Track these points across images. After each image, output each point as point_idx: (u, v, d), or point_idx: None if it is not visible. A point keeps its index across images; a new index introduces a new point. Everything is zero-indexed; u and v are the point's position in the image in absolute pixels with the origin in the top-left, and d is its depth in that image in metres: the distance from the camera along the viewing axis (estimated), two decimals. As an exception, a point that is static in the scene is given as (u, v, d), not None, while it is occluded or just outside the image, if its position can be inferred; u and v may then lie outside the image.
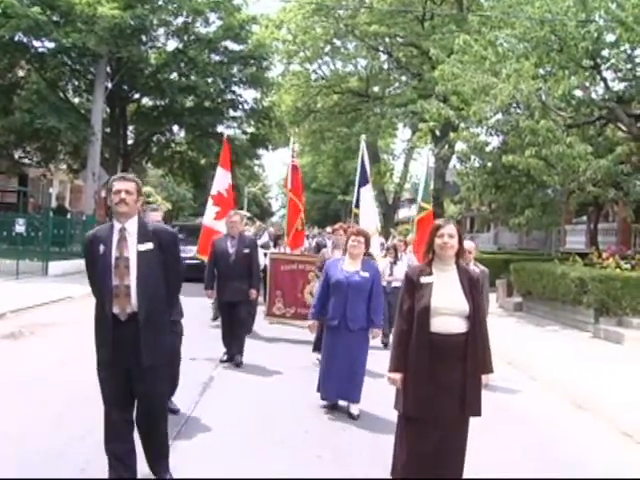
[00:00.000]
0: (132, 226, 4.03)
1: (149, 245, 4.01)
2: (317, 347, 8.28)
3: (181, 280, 4.41)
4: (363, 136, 11.97)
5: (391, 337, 5.94)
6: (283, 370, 7.80)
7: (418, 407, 3.91)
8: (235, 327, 8.01)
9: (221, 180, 10.97)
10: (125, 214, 4.00)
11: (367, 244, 6.19)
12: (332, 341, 6.09)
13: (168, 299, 4.17)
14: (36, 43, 20.52)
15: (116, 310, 3.92)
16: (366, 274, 6.01)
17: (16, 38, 19.38)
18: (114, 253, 3.97)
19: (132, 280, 3.94)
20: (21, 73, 22.66)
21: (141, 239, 4.01)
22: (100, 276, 4.00)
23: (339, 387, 6.04)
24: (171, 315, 4.42)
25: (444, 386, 3.89)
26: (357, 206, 10.98)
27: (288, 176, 11.43)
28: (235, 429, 5.42)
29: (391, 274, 10.02)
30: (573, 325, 12.59)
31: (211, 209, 10.67)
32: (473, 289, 4.03)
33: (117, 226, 4.03)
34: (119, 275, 3.93)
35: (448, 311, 3.90)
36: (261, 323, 10.46)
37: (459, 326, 3.91)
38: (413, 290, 3.99)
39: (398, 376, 4.00)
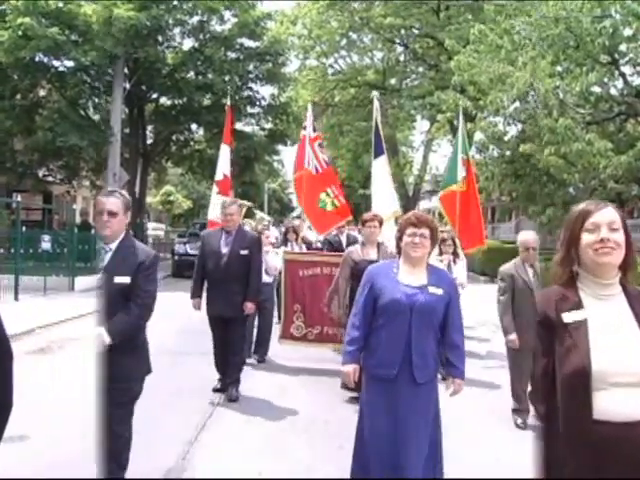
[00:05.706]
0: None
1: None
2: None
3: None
4: (375, 93, 9.59)
5: None
6: (302, 410, 6.05)
7: None
8: (227, 351, 6.22)
9: (225, 160, 9.34)
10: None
11: (433, 240, 3.66)
12: (386, 404, 3.52)
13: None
14: (56, 63, 21.04)
15: None
16: (439, 290, 3.55)
17: (36, 59, 19.83)
18: None
19: None
20: (42, 93, 23.12)
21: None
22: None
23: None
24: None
25: None
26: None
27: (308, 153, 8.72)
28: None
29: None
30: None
31: (216, 199, 8.92)
32: None
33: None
34: None
35: (624, 378, 2.04)
36: (274, 345, 8.22)
37: None
38: (553, 338, 2.17)
39: None
